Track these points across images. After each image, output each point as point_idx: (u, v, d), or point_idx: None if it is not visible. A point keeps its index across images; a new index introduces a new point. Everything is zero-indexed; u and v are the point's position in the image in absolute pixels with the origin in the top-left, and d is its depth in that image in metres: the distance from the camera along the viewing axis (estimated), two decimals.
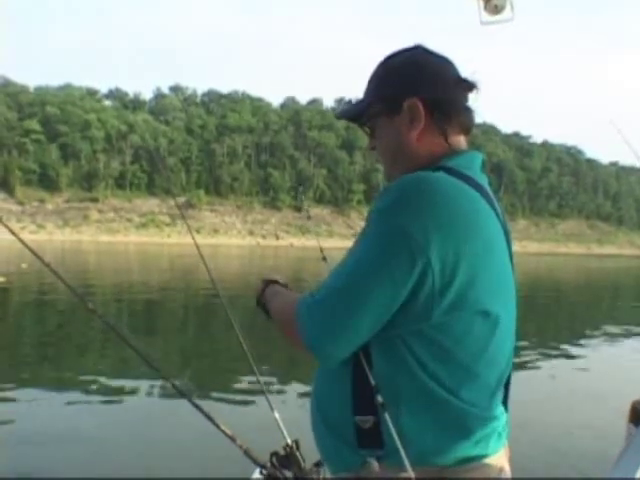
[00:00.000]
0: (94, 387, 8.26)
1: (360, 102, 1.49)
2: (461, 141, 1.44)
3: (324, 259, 1.96)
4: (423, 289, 1.22)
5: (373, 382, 1.29)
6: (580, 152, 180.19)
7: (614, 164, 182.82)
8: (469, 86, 1.42)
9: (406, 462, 1.24)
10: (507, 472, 1.39)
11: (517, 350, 1.45)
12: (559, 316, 19.62)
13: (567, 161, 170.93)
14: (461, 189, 1.27)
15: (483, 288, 1.26)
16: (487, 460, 1.34)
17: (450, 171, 1.32)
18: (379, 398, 1.28)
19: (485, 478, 1.33)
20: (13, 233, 1.92)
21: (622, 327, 16.03)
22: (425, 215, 1.21)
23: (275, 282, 1.66)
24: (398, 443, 1.25)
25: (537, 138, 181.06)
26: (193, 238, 2.68)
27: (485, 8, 2.70)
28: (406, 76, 1.40)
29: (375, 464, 1.30)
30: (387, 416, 1.27)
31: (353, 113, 1.52)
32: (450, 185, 1.27)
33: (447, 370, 1.27)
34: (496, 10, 2.70)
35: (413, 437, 1.27)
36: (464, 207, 1.25)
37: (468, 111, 1.44)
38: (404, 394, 1.28)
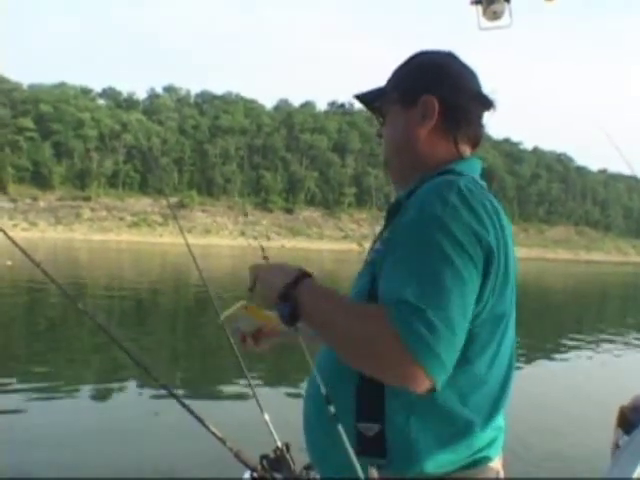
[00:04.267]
0: (83, 387, 8.24)
1: (380, 88, 1.51)
2: (467, 151, 1.45)
3: (265, 258, 1.77)
4: (486, 290, 1.22)
5: (385, 389, 1.24)
6: (570, 159, 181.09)
7: (603, 172, 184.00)
8: (487, 102, 1.45)
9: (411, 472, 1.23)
10: (502, 475, 1.39)
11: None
12: (546, 320, 19.77)
13: (557, 168, 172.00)
14: (485, 192, 1.30)
15: (510, 290, 1.29)
16: (488, 464, 1.32)
17: (457, 172, 1.35)
18: (390, 406, 1.25)
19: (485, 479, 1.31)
20: (4, 232, 2.00)
21: (609, 332, 16.29)
22: (483, 216, 1.21)
23: (310, 275, 1.31)
24: (405, 452, 1.23)
25: (528, 145, 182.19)
26: (184, 238, 2.75)
27: (484, 14, 2.73)
28: (429, 73, 1.43)
29: (375, 473, 1.25)
30: (396, 425, 1.24)
31: (370, 96, 1.54)
32: (480, 188, 1.29)
33: (465, 379, 1.25)
34: (495, 16, 2.73)
35: (422, 447, 1.24)
36: (498, 208, 1.27)
37: (479, 126, 1.46)
38: (418, 403, 1.23)
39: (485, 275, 1.20)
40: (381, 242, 1.36)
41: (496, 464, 1.35)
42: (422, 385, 1.12)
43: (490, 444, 1.32)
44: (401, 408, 1.24)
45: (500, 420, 1.36)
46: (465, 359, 1.22)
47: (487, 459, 1.31)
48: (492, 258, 1.21)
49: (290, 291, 1.25)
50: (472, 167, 1.42)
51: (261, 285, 1.34)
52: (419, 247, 1.19)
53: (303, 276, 1.28)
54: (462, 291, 1.15)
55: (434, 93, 1.40)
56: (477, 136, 1.47)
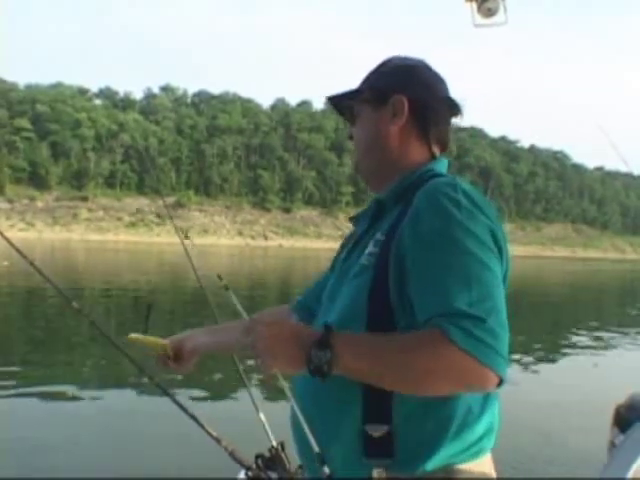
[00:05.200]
0: (77, 386, 8.21)
1: (352, 91, 1.54)
2: (437, 152, 1.49)
3: (226, 288, 1.68)
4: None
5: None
6: (566, 157, 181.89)
7: (599, 169, 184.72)
8: (455, 107, 1.50)
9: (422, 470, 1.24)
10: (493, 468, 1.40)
11: None
12: (543, 318, 19.74)
13: (553, 166, 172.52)
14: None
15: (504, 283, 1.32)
16: (488, 454, 1.35)
17: (443, 174, 1.41)
18: (398, 404, 1.25)
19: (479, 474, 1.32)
20: (1, 233, 1.97)
21: (605, 330, 16.30)
22: (490, 213, 1.28)
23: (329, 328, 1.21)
24: (414, 451, 1.25)
25: (524, 142, 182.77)
26: (180, 238, 2.74)
27: (478, 11, 2.72)
28: (400, 75, 1.47)
29: (383, 474, 1.24)
30: (405, 422, 1.25)
31: (342, 96, 1.56)
32: (470, 185, 1.33)
33: None
34: (489, 13, 2.72)
35: (430, 441, 1.25)
36: (492, 207, 1.32)
37: (447, 129, 1.50)
38: (429, 400, 1.24)
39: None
40: (374, 244, 1.35)
41: (490, 455, 1.37)
42: (493, 384, 1.14)
43: (488, 432, 1.33)
44: (410, 405, 1.24)
45: (495, 406, 1.36)
46: None
47: (485, 450, 1.33)
48: (502, 252, 1.27)
49: (328, 339, 1.18)
50: (444, 167, 1.47)
51: (275, 336, 1.22)
52: (452, 255, 1.19)
53: (326, 336, 1.19)
54: (500, 288, 1.19)
55: (404, 93, 1.43)
56: (445, 138, 1.50)
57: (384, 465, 1.26)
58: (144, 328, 1.68)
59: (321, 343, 1.17)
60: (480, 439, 1.30)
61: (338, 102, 1.60)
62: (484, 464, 1.33)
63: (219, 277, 1.89)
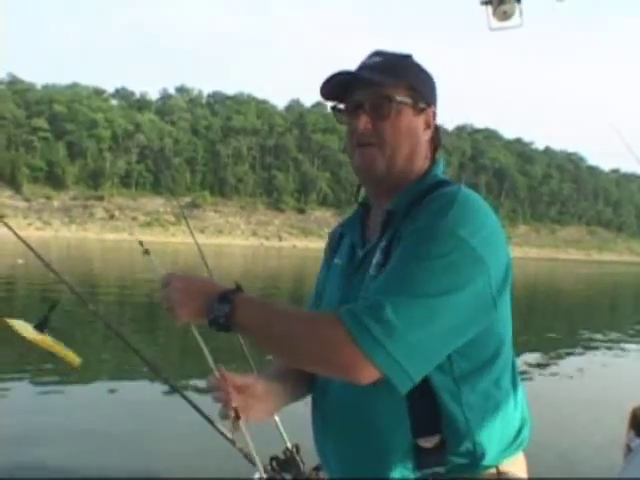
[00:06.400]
0: (92, 385, 8.24)
1: (378, 74, 1.37)
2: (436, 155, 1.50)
3: (146, 252, 1.62)
4: (485, 299, 1.23)
5: (440, 398, 1.25)
6: (581, 159, 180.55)
7: (615, 171, 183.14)
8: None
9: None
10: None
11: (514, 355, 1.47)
12: (557, 321, 19.59)
13: (568, 168, 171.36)
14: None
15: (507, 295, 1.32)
16: (522, 451, 1.38)
17: (447, 182, 1.39)
18: (447, 413, 1.25)
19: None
20: (16, 234, 2.00)
21: (622, 332, 16.19)
22: (499, 232, 1.29)
23: (239, 289, 1.28)
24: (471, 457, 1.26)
25: (539, 144, 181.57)
26: (194, 238, 2.76)
27: (494, 14, 2.71)
28: (432, 83, 1.46)
29: None
30: (456, 429, 1.25)
31: (368, 78, 1.38)
32: (476, 195, 1.32)
33: (498, 366, 1.32)
34: (505, 16, 2.70)
35: (482, 443, 1.26)
36: (496, 219, 1.32)
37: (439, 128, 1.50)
38: (471, 402, 1.26)
39: (504, 284, 1.26)
40: (381, 253, 1.34)
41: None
42: (367, 375, 1.14)
43: (523, 427, 1.36)
44: (458, 412, 1.26)
45: (525, 401, 1.40)
46: (498, 352, 1.30)
47: (523, 446, 1.37)
48: (509, 270, 1.28)
49: (229, 295, 1.24)
50: (442, 167, 1.47)
51: (186, 288, 1.29)
52: (428, 257, 1.20)
53: (231, 293, 1.25)
54: (453, 312, 1.18)
55: (434, 104, 1.45)
56: (440, 138, 1.50)
57: (437, 473, 1.26)
58: (41, 328, 1.48)
59: (223, 297, 1.23)
60: (518, 433, 1.34)
61: (366, 84, 1.38)
62: (522, 461, 1.37)
63: (141, 243, 1.65)
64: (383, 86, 1.36)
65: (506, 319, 1.32)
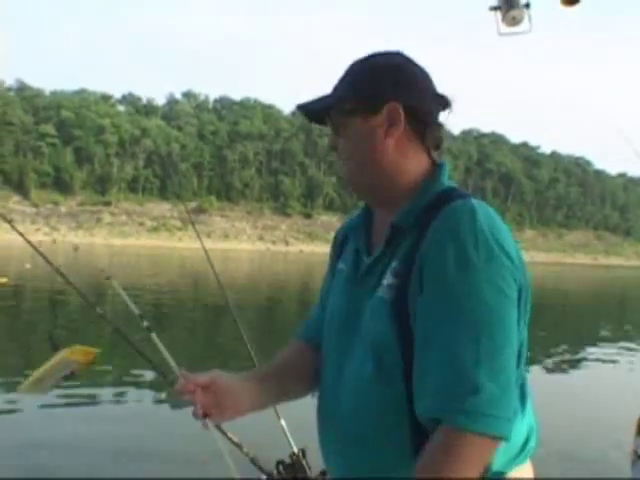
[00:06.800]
0: (99, 390, 8.22)
1: (327, 96, 1.37)
2: (435, 155, 1.37)
3: (76, 249, 1.70)
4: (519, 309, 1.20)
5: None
6: (588, 163, 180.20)
7: (622, 175, 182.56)
8: (444, 102, 1.36)
9: None
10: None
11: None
12: (565, 326, 19.57)
13: (575, 172, 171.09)
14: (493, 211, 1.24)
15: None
16: (529, 461, 1.34)
17: (455, 191, 1.29)
18: None
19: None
20: (25, 238, 2.03)
21: (629, 338, 16.10)
22: (513, 252, 1.19)
23: None
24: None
25: (546, 148, 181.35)
26: (201, 243, 2.75)
27: (503, 19, 2.66)
28: (389, 77, 1.31)
29: None
30: None
31: (318, 106, 1.38)
32: (486, 207, 1.23)
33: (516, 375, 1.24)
34: (514, 22, 2.66)
35: (492, 457, 1.20)
36: (509, 232, 1.24)
37: (440, 127, 1.36)
38: None
39: (517, 307, 1.20)
40: (393, 274, 1.26)
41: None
42: (497, 445, 1.13)
43: (530, 435, 1.31)
44: None
45: (532, 406, 1.34)
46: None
47: (530, 453, 1.32)
48: (522, 292, 1.21)
49: None
50: (447, 173, 1.36)
51: None
52: (462, 325, 1.13)
53: None
54: (508, 344, 1.15)
55: (397, 98, 1.28)
56: (440, 138, 1.36)
57: None
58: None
59: None
60: (526, 442, 1.29)
61: (314, 112, 1.40)
62: (529, 470, 1.32)
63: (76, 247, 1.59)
64: (332, 106, 1.34)
65: (521, 330, 1.24)
